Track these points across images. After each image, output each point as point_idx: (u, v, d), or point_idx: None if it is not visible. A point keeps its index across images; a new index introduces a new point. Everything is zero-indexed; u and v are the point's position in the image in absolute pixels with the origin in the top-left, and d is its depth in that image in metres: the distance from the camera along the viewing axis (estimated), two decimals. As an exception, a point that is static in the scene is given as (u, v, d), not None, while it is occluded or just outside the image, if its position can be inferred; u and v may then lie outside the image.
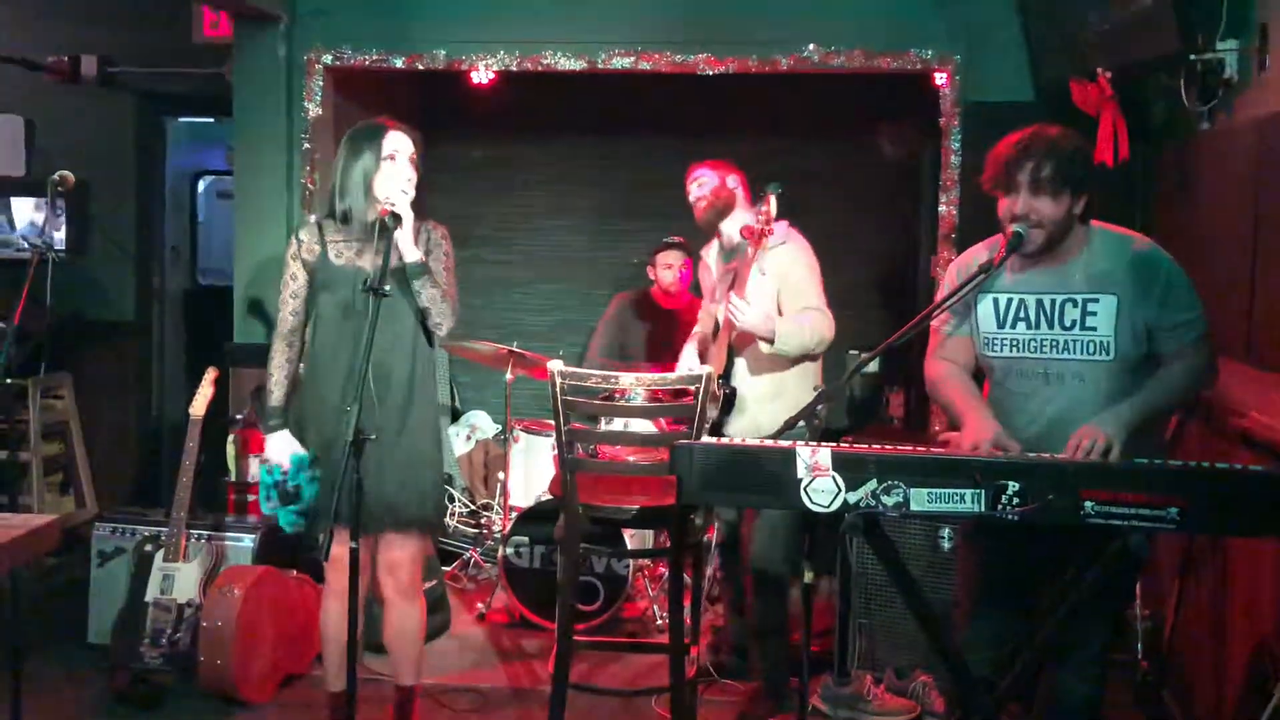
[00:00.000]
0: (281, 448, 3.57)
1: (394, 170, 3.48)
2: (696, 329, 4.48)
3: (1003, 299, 3.10)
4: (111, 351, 6.62)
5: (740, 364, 4.09)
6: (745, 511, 4.25)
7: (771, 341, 3.86)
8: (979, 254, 3.17)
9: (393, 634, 3.72)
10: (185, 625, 4.24)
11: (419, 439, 3.58)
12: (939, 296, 3.22)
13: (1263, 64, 3.66)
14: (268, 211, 5.51)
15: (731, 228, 4.21)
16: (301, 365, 3.66)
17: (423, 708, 3.89)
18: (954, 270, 3.23)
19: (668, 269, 5.68)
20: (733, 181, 4.21)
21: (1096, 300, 3.00)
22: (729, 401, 4.05)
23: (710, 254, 4.39)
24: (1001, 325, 3.11)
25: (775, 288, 4.00)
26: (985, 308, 3.13)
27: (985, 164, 3.04)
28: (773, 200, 3.90)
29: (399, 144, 3.51)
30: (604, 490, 3.76)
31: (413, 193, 3.49)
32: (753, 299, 3.88)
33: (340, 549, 3.35)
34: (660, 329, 5.73)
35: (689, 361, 4.30)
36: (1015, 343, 3.09)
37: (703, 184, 4.25)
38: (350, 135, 3.58)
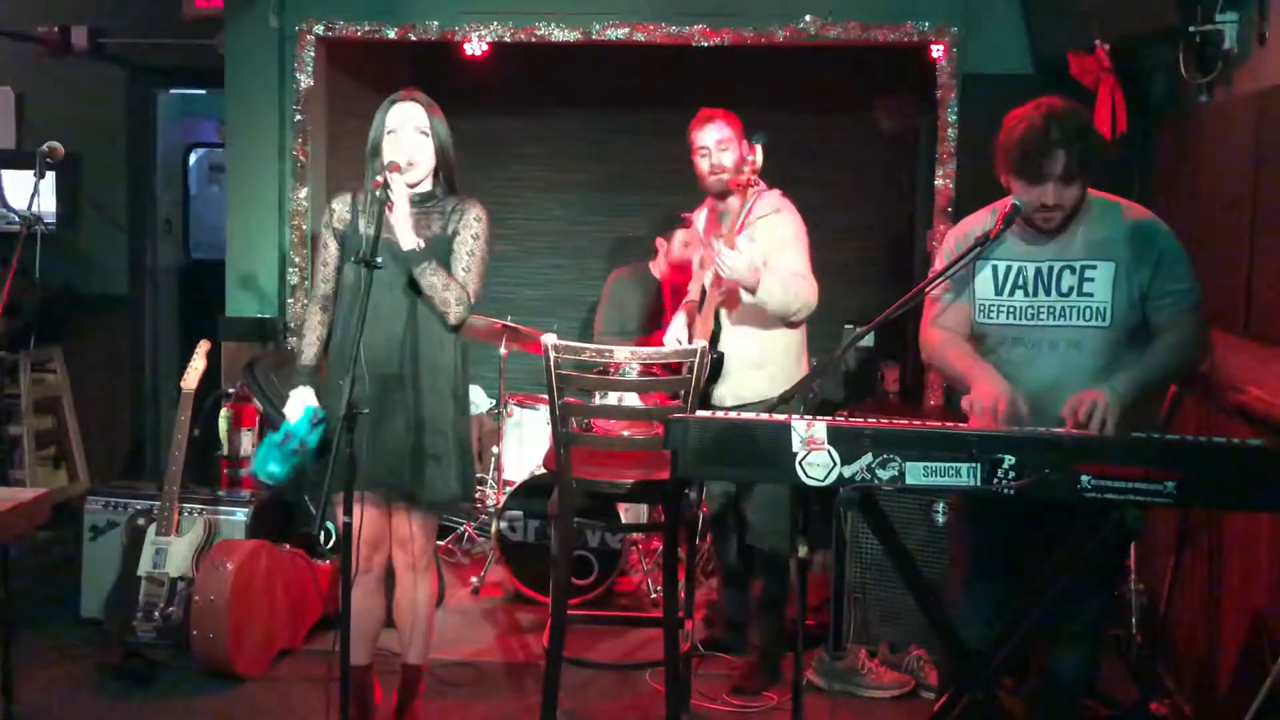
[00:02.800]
0: (298, 402, 3.53)
1: (393, 144, 3.44)
2: (688, 298, 4.46)
3: (1001, 266, 3.09)
4: (104, 325, 6.60)
5: (726, 330, 4.09)
6: (744, 486, 4.25)
7: (754, 291, 3.84)
8: (977, 223, 3.15)
9: (402, 610, 3.69)
10: (178, 599, 4.23)
11: (429, 411, 3.53)
12: (936, 266, 3.20)
13: (1262, 37, 3.64)
14: (260, 184, 5.48)
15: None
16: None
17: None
18: (952, 239, 3.22)
19: (686, 246, 5.66)
20: (747, 153, 4.08)
21: (1094, 267, 2.99)
22: (716, 367, 4.05)
23: (700, 221, 4.36)
24: (999, 293, 3.09)
25: (763, 253, 3.98)
26: (984, 276, 3.11)
27: (999, 149, 2.98)
28: (759, 150, 3.87)
29: (401, 118, 3.45)
30: (598, 464, 3.74)
31: (417, 164, 3.44)
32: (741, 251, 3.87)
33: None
34: (659, 303, 5.72)
35: (678, 330, 4.28)
36: (1012, 310, 3.08)
37: (726, 146, 4.12)
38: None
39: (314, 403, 3.54)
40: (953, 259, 3.08)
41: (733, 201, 4.11)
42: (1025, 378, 3.05)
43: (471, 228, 3.51)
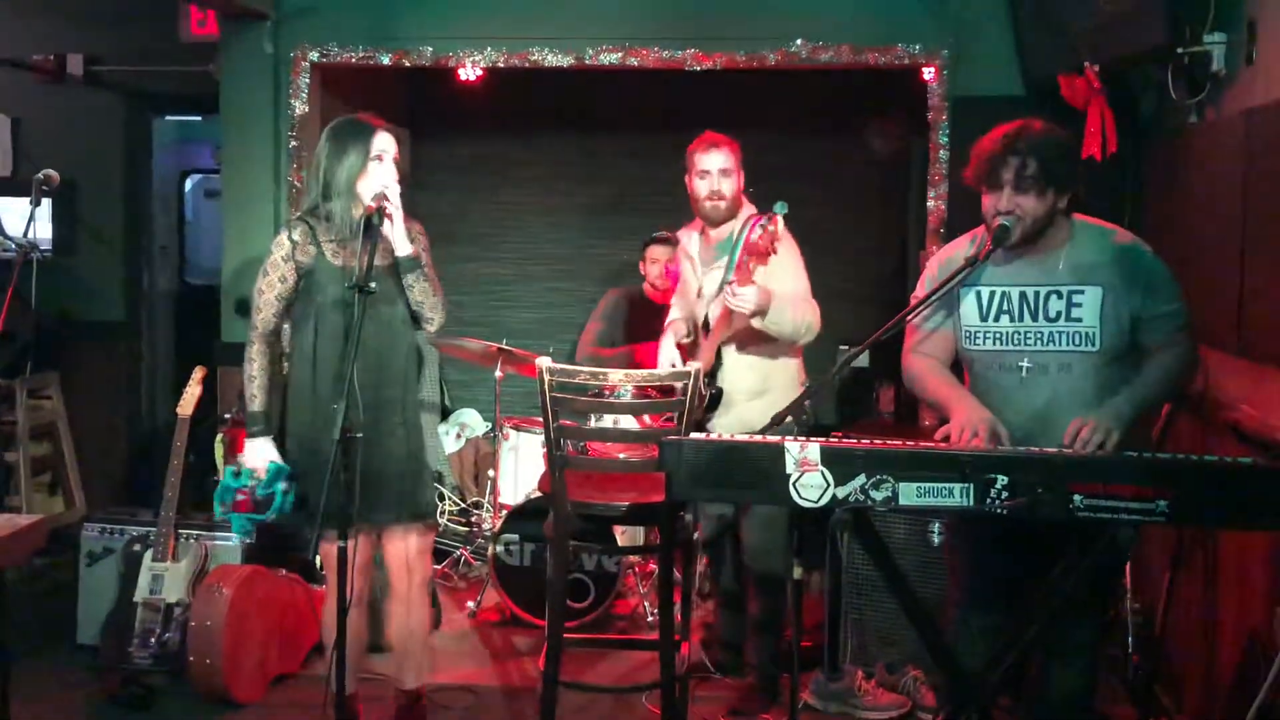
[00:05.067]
0: (261, 454, 3.52)
1: (381, 170, 3.45)
2: (671, 317, 4.45)
3: (985, 292, 3.11)
4: (100, 351, 6.60)
5: (728, 361, 4.09)
6: (741, 507, 4.24)
7: (764, 314, 3.81)
8: (961, 247, 3.18)
9: (400, 634, 3.69)
10: (174, 625, 4.23)
11: (419, 432, 3.57)
12: (919, 291, 3.22)
13: (1250, 57, 3.66)
14: (255, 210, 5.49)
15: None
16: (284, 365, 3.65)
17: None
18: (935, 264, 3.24)
19: (655, 263, 5.68)
20: (768, 222, 3.84)
21: (1081, 291, 3.01)
22: (715, 400, 4.05)
23: (692, 245, 4.35)
24: (984, 319, 3.11)
25: (763, 278, 3.98)
26: (968, 301, 3.13)
27: (970, 158, 3.05)
28: (780, 220, 3.86)
29: (386, 144, 3.48)
30: (593, 487, 3.74)
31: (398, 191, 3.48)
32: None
33: (330, 548, 3.32)
34: (650, 323, 5.71)
35: (669, 353, 4.27)
36: (998, 336, 3.10)
37: (728, 174, 4.10)
38: (333, 132, 3.50)
39: (276, 455, 3.53)
40: (935, 285, 3.10)
41: (725, 229, 4.12)
42: (1016, 403, 3.06)
43: (420, 241, 3.57)
